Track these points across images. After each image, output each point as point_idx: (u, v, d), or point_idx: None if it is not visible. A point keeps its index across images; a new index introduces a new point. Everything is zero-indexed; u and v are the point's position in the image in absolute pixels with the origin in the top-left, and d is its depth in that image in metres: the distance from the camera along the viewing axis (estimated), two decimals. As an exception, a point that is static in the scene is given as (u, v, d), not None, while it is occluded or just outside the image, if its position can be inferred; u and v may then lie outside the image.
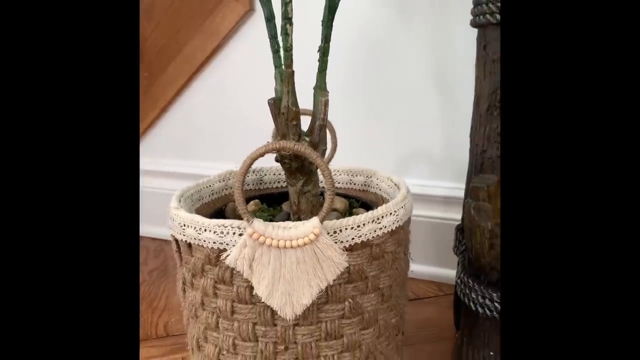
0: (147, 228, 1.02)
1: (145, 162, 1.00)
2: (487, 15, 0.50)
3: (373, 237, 0.43)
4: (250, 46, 0.86)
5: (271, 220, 0.54)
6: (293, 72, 0.46)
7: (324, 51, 0.48)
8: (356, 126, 0.81)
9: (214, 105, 0.93)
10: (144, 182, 1.01)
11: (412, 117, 0.77)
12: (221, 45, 0.87)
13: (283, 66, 0.46)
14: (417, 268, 0.79)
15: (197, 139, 0.96)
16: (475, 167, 0.54)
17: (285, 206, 0.56)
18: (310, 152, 0.40)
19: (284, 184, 0.62)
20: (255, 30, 0.85)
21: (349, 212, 0.55)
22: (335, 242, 0.41)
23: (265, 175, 0.61)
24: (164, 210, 1.01)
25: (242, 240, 0.40)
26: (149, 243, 1.00)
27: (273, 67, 0.47)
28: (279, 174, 0.62)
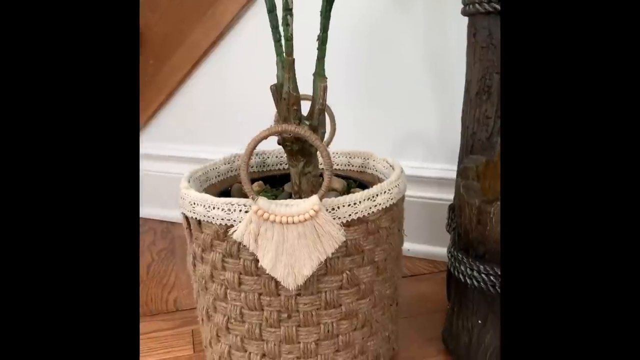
0: (154, 210, 1.05)
1: (151, 147, 1.03)
2: (477, 5, 0.53)
3: (368, 213, 0.46)
4: (251, 34, 0.88)
5: (273, 196, 0.58)
6: (293, 60, 0.49)
7: (322, 40, 0.50)
8: (355, 111, 0.83)
9: (218, 91, 0.95)
10: (150, 166, 1.04)
11: (408, 102, 0.80)
12: (223, 33, 0.90)
13: (284, 54, 0.49)
14: (413, 246, 0.82)
15: (201, 124, 0.99)
16: (466, 149, 0.57)
17: (287, 187, 0.59)
18: (310, 135, 0.43)
19: (286, 166, 0.65)
20: (256, 19, 0.87)
21: (347, 192, 0.58)
22: (334, 219, 0.44)
23: (268, 158, 0.64)
24: (169, 193, 1.04)
25: (248, 217, 0.44)
26: (156, 225, 1.03)
27: (274, 55, 0.49)
28: (281, 157, 0.65)
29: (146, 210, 1.05)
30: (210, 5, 0.89)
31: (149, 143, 1.03)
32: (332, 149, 0.64)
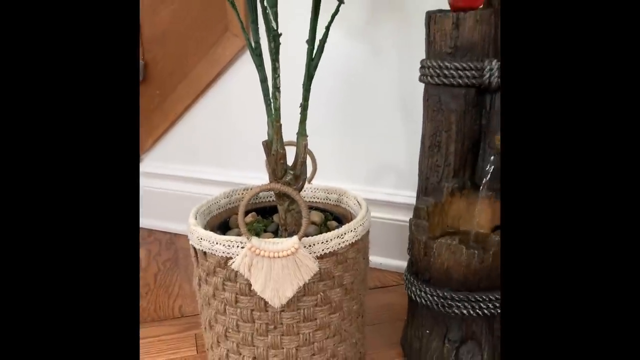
0: (159, 222, 1.17)
1: (157, 166, 1.15)
2: (428, 77, 0.65)
3: (338, 248, 0.59)
4: (247, 73, 1.00)
5: (265, 230, 0.70)
6: (280, 125, 0.61)
7: (304, 107, 0.63)
8: (337, 144, 0.96)
9: (216, 120, 1.07)
10: (155, 184, 1.15)
11: (382, 138, 0.92)
12: (222, 71, 1.02)
13: (274, 119, 0.61)
14: (385, 261, 0.95)
15: (202, 148, 1.11)
16: (422, 190, 0.70)
17: (275, 218, 0.71)
18: (291, 192, 0.55)
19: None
20: (251, 62, 0.99)
21: (324, 223, 0.70)
22: (310, 253, 0.57)
23: (260, 192, 0.76)
24: (172, 207, 1.16)
25: (243, 252, 0.56)
26: (161, 236, 1.15)
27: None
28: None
29: (151, 222, 1.17)
30: (212, 45, 1.01)
31: (155, 163, 1.15)
32: (314, 184, 0.76)
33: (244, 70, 1.00)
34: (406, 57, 0.86)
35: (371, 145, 0.94)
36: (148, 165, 1.15)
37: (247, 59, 0.99)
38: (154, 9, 1.02)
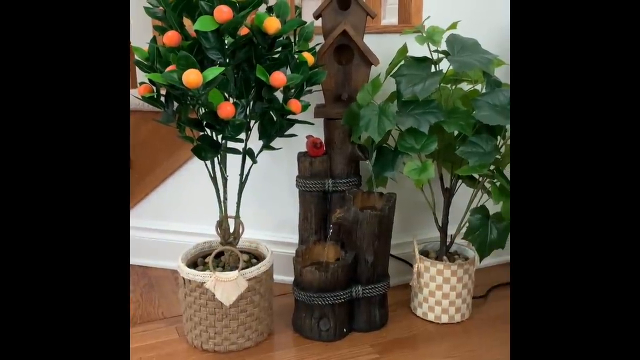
0: (132, 260, 1.65)
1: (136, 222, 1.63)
2: (299, 186, 1.23)
3: (257, 275, 1.14)
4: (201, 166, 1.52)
5: (217, 266, 1.23)
6: (227, 215, 1.16)
7: (237, 205, 1.18)
8: (258, 210, 1.50)
9: (178, 195, 1.58)
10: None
11: (282, 208, 1.48)
12: (183, 164, 1.53)
13: (223, 212, 1.16)
14: (286, 279, 1.51)
15: (160, 210, 1.61)
16: (300, 241, 1.27)
17: (223, 259, 1.25)
18: (233, 249, 1.10)
19: (221, 247, 1.30)
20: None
21: (250, 260, 1.25)
22: (244, 278, 1.11)
23: (213, 243, 1.30)
24: (140, 248, 1.63)
25: (211, 279, 1.09)
26: (135, 268, 1.63)
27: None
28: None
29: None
30: (177, 149, 1.53)
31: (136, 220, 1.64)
32: (243, 238, 1.30)
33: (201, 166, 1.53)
34: (292, 164, 1.44)
35: (276, 212, 1.50)
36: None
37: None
38: (138, 126, 1.53)
